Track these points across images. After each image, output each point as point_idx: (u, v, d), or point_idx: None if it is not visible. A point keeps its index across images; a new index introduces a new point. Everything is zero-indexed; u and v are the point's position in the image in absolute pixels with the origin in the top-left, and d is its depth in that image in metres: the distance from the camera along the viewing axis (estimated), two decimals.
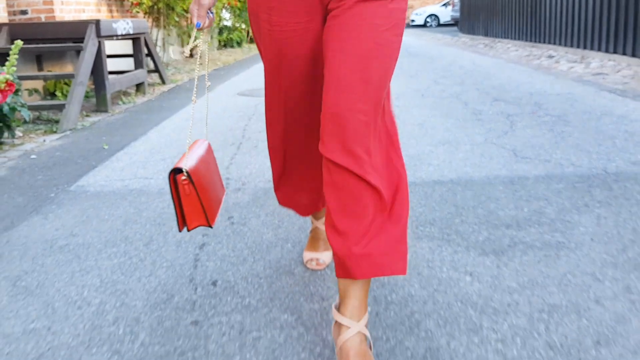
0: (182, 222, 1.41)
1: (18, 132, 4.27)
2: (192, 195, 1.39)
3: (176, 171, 1.40)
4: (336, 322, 1.35)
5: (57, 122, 4.70)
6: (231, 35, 13.79)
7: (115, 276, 1.89)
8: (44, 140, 4.11)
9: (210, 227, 1.43)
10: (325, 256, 1.87)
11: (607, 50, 7.20)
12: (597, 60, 7.09)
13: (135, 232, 2.26)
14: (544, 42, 9.32)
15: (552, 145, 3.29)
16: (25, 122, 4.63)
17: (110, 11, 7.68)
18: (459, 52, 10.58)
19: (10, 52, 3.47)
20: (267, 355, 1.42)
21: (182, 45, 10.57)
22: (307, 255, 1.89)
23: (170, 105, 5.54)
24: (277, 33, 1.41)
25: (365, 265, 1.29)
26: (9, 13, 6.12)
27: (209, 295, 1.73)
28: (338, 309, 1.37)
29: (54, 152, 3.77)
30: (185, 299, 1.72)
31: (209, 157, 1.57)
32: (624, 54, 6.75)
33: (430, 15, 27.29)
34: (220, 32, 13.60)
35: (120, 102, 5.74)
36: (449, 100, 5.01)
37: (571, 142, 3.35)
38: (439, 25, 26.85)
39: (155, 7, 8.45)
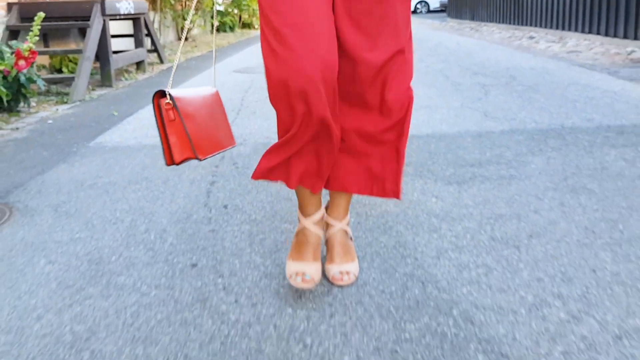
0: (170, 155, 1.39)
1: (32, 102, 4.61)
2: (177, 122, 1.37)
3: (161, 94, 1.37)
4: (325, 222, 1.67)
5: (66, 94, 5.03)
6: (224, 20, 14.06)
7: (141, 203, 2.26)
8: (57, 110, 4.45)
9: (199, 159, 1.40)
10: (314, 270, 1.47)
11: (583, 31, 7.59)
12: (574, 40, 7.48)
13: (153, 174, 2.63)
14: (526, 24, 9.70)
15: (519, 108, 3.67)
16: (38, 93, 4.96)
17: None
18: (446, 35, 10.93)
19: (34, 24, 3.80)
20: (270, 250, 1.79)
21: (177, 29, 10.86)
22: (292, 267, 1.49)
23: (167, 81, 5.86)
24: None
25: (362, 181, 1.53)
26: None
27: (222, 214, 2.11)
28: (326, 210, 1.72)
29: (68, 118, 4.12)
30: (202, 217, 2.09)
31: (212, 100, 1.54)
32: (598, 33, 7.14)
33: (420, 2, 27.60)
34: (213, 17, 13.86)
35: (122, 79, 6.07)
36: (432, 75, 5.38)
37: (537, 105, 3.74)
38: (429, 11, 27.19)
39: None
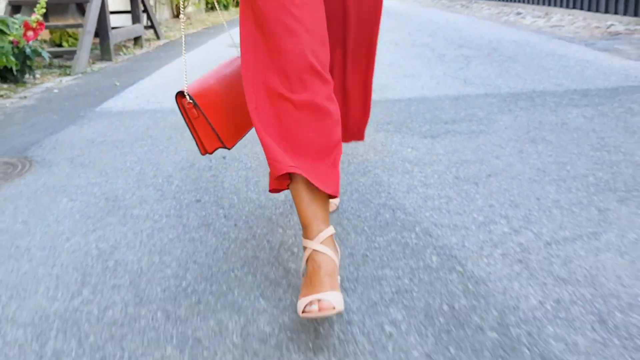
0: (202, 146, 1.47)
1: (36, 74, 4.83)
2: (201, 119, 1.42)
3: (182, 94, 1.42)
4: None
5: (68, 67, 5.25)
6: None
7: (148, 156, 2.52)
8: (61, 81, 4.68)
9: (228, 148, 1.46)
10: (334, 297, 1.15)
11: (567, 6, 7.82)
12: (559, 15, 7.71)
13: (157, 133, 2.89)
14: (515, 1, 9.91)
15: (496, 76, 3.93)
16: (42, 66, 5.17)
17: None
18: (437, 12, 11.13)
19: None
20: (264, 189, 2.06)
21: (172, 6, 11.01)
22: (303, 301, 1.17)
23: (168, 55, 6.09)
24: None
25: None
26: None
27: (221, 163, 2.37)
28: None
29: (72, 88, 4.35)
30: (203, 165, 2.35)
31: (232, 73, 1.53)
32: (582, 8, 7.37)
33: None
34: None
35: (121, 53, 6.28)
36: (419, 48, 5.62)
37: (513, 73, 3.99)
38: None
39: None
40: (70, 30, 6.22)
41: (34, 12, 4.04)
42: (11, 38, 3.86)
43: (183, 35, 1.59)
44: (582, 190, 1.88)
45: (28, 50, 4.33)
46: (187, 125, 1.44)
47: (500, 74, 4.00)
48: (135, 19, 6.90)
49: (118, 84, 4.40)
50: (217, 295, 1.37)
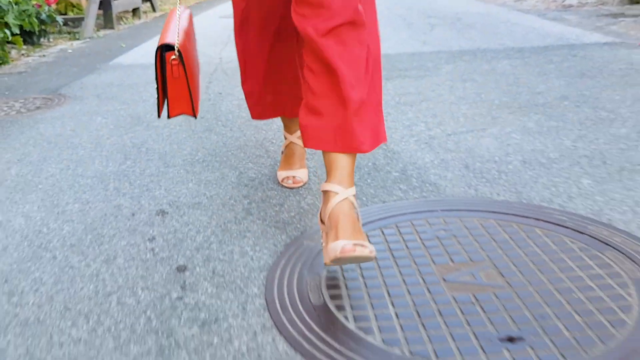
0: (165, 107, 1.35)
1: (50, 38, 5.42)
2: (181, 79, 1.31)
3: (164, 48, 1.28)
4: (325, 192, 1.27)
5: (76, 33, 5.83)
6: None
7: None
8: (72, 44, 5.27)
9: (195, 116, 1.39)
10: (302, 174, 1.78)
11: None
12: None
13: None
14: None
15: (452, 39, 4.58)
16: (53, 32, 5.75)
17: None
18: None
19: None
20: None
21: None
22: (282, 174, 1.80)
23: (159, 28, 6.67)
24: None
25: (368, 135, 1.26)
26: None
27: (218, 97, 3.01)
28: (323, 185, 1.29)
29: (84, 49, 4.95)
30: (204, 99, 2.99)
31: (191, 29, 1.50)
32: None
33: None
34: None
35: (121, 23, 6.85)
36: (392, 19, 6.25)
37: (467, 36, 4.64)
38: None
39: None
40: (74, 1, 6.77)
41: None
42: (34, 2, 4.45)
43: None
44: (486, 108, 2.54)
45: (44, 16, 4.91)
46: (157, 83, 1.33)
47: (456, 37, 4.65)
48: None
49: (124, 45, 5.00)
50: (220, 162, 2.03)
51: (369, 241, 1.22)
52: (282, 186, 1.79)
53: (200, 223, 1.56)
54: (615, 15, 5.49)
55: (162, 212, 1.64)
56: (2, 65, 4.20)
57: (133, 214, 1.63)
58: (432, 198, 1.64)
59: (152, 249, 1.42)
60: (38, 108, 2.94)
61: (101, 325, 1.13)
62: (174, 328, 1.11)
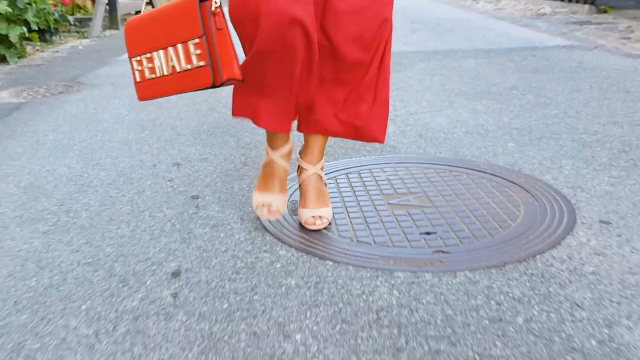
0: (218, 71, 1.19)
1: (61, 36, 5.85)
2: (224, 31, 1.21)
3: None
4: (299, 166, 1.59)
5: (84, 32, 6.27)
6: None
7: None
8: (82, 42, 5.71)
9: (241, 80, 1.25)
10: (280, 201, 1.56)
11: None
12: (507, 0, 8.86)
13: None
14: None
15: (430, 41, 5.05)
16: (62, 30, 6.19)
17: None
18: None
19: None
20: None
21: None
22: (258, 197, 1.57)
23: None
24: None
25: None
26: None
27: None
28: (300, 154, 1.58)
29: (93, 46, 5.39)
30: None
31: None
32: None
33: None
34: None
35: (125, 24, 7.30)
36: None
37: (445, 40, 5.12)
38: None
39: None
40: (80, 3, 7.21)
41: None
42: (51, 2, 4.88)
43: None
44: (447, 95, 3.00)
45: (57, 15, 5.35)
46: (207, 43, 1.18)
47: (434, 39, 5.12)
48: None
49: None
50: (221, 132, 2.47)
51: (330, 204, 1.56)
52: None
53: (207, 171, 2.00)
54: (581, 23, 5.99)
55: (177, 164, 2.08)
56: (21, 59, 4.63)
57: (154, 165, 2.08)
58: (389, 155, 2.09)
59: (172, 186, 1.87)
60: (61, 93, 3.38)
61: (138, 228, 1.57)
62: (192, 229, 1.55)
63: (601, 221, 1.52)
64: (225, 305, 1.20)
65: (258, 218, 1.61)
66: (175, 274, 1.33)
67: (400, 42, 5.03)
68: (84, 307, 1.22)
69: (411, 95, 3.02)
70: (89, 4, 7.41)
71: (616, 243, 1.40)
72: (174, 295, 1.24)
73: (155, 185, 1.88)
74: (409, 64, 3.97)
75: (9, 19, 4.36)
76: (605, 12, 6.72)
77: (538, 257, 1.35)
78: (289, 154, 1.59)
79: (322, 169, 1.58)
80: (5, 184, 1.93)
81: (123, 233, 1.55)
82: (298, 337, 1.09)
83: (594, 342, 1.05)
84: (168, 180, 1.92)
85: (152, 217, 1.64)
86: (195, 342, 1.09)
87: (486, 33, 5.45)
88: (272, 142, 1.57)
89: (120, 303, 1.22)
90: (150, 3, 8.57)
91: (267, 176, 1.58)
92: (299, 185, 1.59)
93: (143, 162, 2.12)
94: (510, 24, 6.18)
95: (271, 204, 1.54)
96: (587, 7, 6.84)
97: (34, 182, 1.94)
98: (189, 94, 2.15)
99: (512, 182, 1.78)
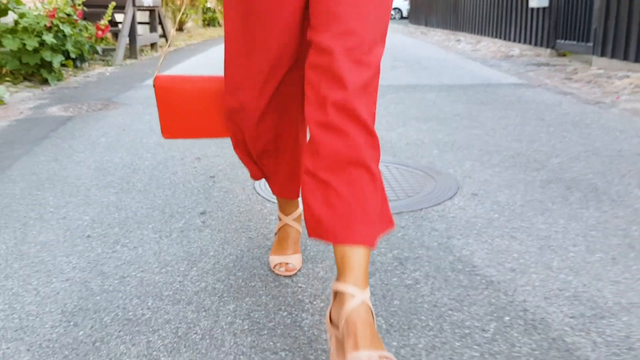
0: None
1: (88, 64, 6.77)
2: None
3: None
4: (338, 293, 1.19)
5: (109, 60, 7.19)
6: (215, 15, 16.23)
7: None
8: (107, 69, 6.63)
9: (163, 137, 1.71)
10: (295, 260, 1.70)
11: (492, 36, 9.97)
12: (484, 42, 9.85)
13: None
14: (460, 30, 12.08)
15: (404, 77, 5.96)
16: (93, 59, 7.11)
17: None
18: (399, 36, 13.27)
19: (109, 7, 6.00)
20: None
21: (175, 20, 13.02)
22: (275, 259, 1.71)
23: (179, 57, 8.07)
24: None
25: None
26: None
27: None
28: (337, 277, 1.21)
29: (118, 73, 6.31)
30: None
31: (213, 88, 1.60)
32: (501, 37, 9.52)
33: (394, 9, 30.11)
34: (205, 12, 16.04)
35: (143, 54, 8.24)
36: None
37: (417, 76, 6.03)
38: (402, 17, 29.69)
39: None
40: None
41: (102, 17, 6.02)
42: (87, 35, 5.81)
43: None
44: (403, 119, 3.87)
45: (87, 46, 6.27)
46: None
47: (408, 76, 6.04)
48: (153, 29, 8.88)
49: (150, 71, 6.36)
50: (230, 143, 3.33)
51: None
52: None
53: (220, 162, 2.85)
54: (540, 64, 6.93)
55: (198, 158, 2.93)
56: (59, 82, 5.52)
57: (182, 158, 2.93)
58: None
59: (196, 170, 2.72)
60: (100, 109, 4.25)
61: (177, 191, 2.41)
62: (211, 192, 2.40)
63: (472, 194, 2.37)
64: (234, 226, 2.04)
65: (255, 189, 2.45)
66: (202, 213, 2.17)
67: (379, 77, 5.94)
68: (150, 226, 2.06)
69: (377, 117, 3.89)
70: (109, 36, 8.36)
71: (474, 204, 2.25)
72: (203, 222, 2.09)
73: (184, 170, 2.73)
74: (380, 94, 4.86)
75: (53, 48, 5.27)
76: (564, 55, 7.68)
77: (425, 209, 2.19)
78: (300, 217, 1.77)
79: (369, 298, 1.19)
80: (79, 167, 2.78)
81: (167, 194, 2.39)
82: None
83: (437, 244, 1.88)
84: (193, 167, 2.77)
85: (185, 186, 2.48)
86: (216, 241, 1.92)
87: (455, 71, 6.37)
88: (284, 208, 1.74)
89: (172, 224, 2.07)
90: (164, 36, 9.55)
91: (281, 240, 1.74)
92: (344, 323, 1.14)
93: (174, 156, 2.97)
94: (479, 64, 7.11)
95: (288, 263, 1.68)
96: (549, 50, 7.80)
97: (99, 166, 2.79)
98: None
99: (426, 173, 2.64)
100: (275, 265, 1.69)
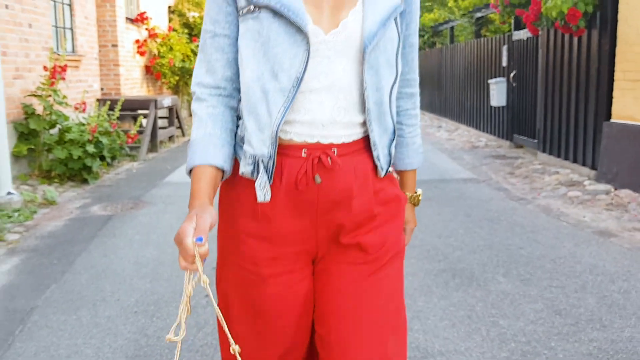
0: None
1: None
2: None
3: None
4: None
5: (134, 156, 8.57)
6: None
7: None
8: (133, 165, 7.97)
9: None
10: None
11: (468, 124, 11.32)
12: (461, 130, 11.19)
13: None
14: (444, 116, 13.49)
15: None
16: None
17: (148, 87, 11.65)
18: None
19: (137, 120, 7.40)
20: None
21: (189, 108, 14.58)
22: None
23: None
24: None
25: None
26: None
27: None
28: None
29: (142, 169, 7.64)
30: None
31: None
32: (473, 126, 10.86)
33: None
34: None
35: (162, 147, 9.64)
36: None
37: None
38: None
39: (177, 84, 12.48)
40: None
41: (132, 126, 7.42)
42: (119, 142, 7.18)
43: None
44: None
45: (116, 146, 7.63)
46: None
47: None
48: (171, 123, 10.33)
49: (169, 167, 7.69)
50: None
51: None
52: None
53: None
54: (497, 157, 8.18)
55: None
56: (96, 180, 6.83)
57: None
58: None
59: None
60: (132, 208, 5.51)
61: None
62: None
63: None
64: None
65: None
66: (206, 296, 3.35)
67: None
68: (174, 304, 3.23)
69: None
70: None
71: None
72: (207, 301, 3.26)
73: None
74: None
75: (92, 155, 6.61)
76: (521, 147, 8.95)
77: None
78: None
79: None
80: (122, 261, 3.99)
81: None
82: None
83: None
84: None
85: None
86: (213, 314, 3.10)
87: (425, 164, 7.62)
88: None
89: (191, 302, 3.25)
90: (180, 127, 10.99)
91: None
92: None
93: None
94: (446, 156, 8.38)
95: None
96: (508, 142, 9.08)
97: (137, 261, 4.00)
98: None
99: None
100: None
